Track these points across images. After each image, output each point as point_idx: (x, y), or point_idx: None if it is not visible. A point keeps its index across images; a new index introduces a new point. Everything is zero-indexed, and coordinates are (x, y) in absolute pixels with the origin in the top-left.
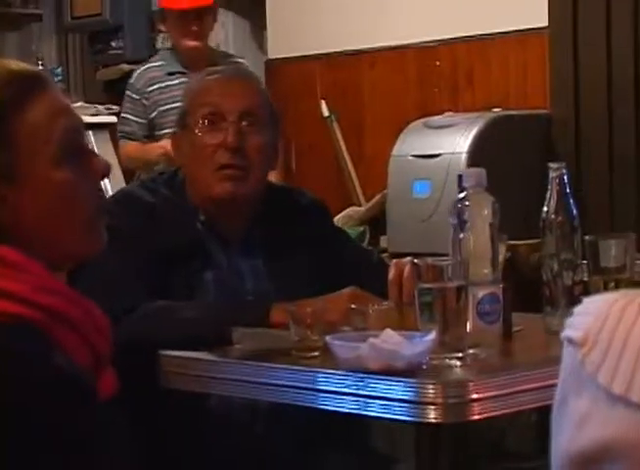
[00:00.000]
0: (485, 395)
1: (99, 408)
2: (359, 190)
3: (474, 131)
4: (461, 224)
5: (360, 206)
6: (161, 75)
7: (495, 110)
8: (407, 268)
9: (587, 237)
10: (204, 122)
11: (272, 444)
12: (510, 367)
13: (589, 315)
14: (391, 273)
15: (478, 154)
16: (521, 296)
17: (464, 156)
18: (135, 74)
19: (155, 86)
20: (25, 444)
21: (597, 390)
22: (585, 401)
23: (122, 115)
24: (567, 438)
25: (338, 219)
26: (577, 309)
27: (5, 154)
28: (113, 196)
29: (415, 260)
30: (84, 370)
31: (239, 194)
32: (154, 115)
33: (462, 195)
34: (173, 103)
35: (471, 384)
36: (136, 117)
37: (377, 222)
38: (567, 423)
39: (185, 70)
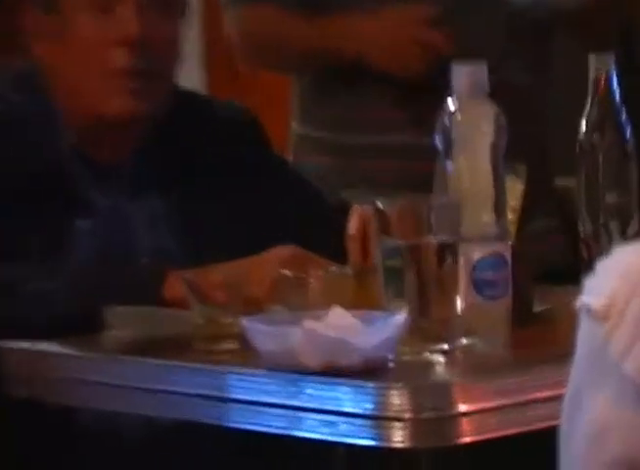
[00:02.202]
0: (480, 406)
1: None
2: None
3: None
4: (448, 149)
5: None
6: None
7: None
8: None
9: None
10: (89, 4)
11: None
12: (520, 366)
13: (615, 276)
14: (351, 224)
15: None
16: None
17: None
18: None
19: None
20: None
21: (624, 382)
22: (607, 399)
23: None
24: (581, 449)
25: None
26: (600, 267)
27: None
28: None
29: (379, 205)
30: None
31: (141, 112)
32: None
33: (450, 104)
34: None
35: (458, 390)
36: None
37: None
38: (581, 429)
39: None
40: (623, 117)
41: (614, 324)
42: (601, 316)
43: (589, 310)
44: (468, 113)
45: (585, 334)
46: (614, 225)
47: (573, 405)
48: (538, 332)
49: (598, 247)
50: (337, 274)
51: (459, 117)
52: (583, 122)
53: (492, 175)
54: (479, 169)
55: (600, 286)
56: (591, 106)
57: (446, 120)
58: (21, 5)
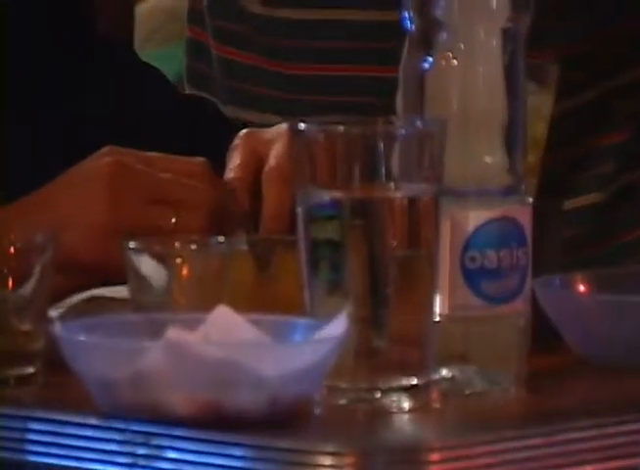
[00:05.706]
0: None
1: None
2: None
3: None
4: (427, 37)
5: None
6: None
7: None
8: (277, 149)
9: None
10: None
11: None
12: (546, 418)
13: None
14: (233, 161)
15: None
16: None
17: None
18: None
19: None
20: None
21: None
22: None
23: None
24: None
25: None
26: None
27: None
28: None
29: (301, 125)
30: None
31: None
32: None
33: None
34: None
35: (436, 457)
36: None
37: None
38: None
39: None
40: None
41: None
42: None
43: None
44: None
45: None
46: None
47: None
48: (575, 362)
49: None
50: (221, 250)
51: None
52: None
53: (505, 85)
54: (481, 74)
55: None
56: None
57: None
58: None
